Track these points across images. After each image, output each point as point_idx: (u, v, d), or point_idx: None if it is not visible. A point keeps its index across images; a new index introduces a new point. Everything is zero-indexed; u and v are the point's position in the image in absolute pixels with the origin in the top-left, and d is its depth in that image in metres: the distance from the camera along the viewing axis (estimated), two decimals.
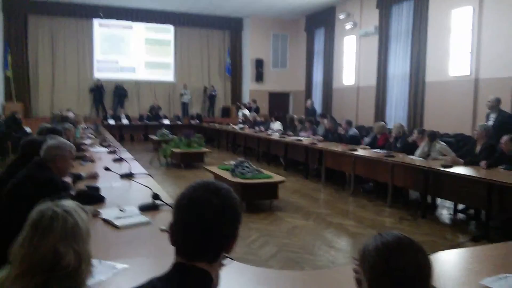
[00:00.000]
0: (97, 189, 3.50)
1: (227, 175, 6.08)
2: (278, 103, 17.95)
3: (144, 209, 3.04)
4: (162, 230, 2.51)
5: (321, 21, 16.21)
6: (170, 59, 17.44)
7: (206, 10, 16.46)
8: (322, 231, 5.04)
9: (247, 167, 6.11)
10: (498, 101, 6.65)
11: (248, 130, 11.48)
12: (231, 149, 12.38)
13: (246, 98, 17.44)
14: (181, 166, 9.15)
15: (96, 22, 16.28)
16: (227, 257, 1.15)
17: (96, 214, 2.84)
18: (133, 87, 16.77)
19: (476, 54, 9.42)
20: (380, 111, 13.41)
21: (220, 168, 6.67)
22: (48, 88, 15.68)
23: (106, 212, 2.92)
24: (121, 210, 2.98)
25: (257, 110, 14.31)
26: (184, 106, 16.87)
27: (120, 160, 5.52)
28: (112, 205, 3.15)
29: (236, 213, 1.14)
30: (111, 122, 14.78)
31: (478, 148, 5.62)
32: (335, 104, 15.81)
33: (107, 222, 2.73)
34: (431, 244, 4.58)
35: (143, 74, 17.07)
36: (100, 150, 6.58)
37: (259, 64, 17.57)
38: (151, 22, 16.85)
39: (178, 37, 17.44)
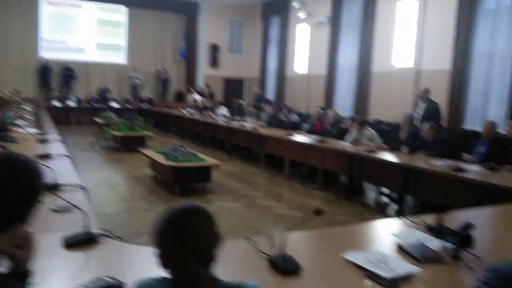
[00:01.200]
0: None
1: (160, 158, 6.04)
2: (233, 89, 17.91)
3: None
4: None
5: (277, 9, 16.21)
6: (122, 41, 16.96)
7: None
8: (247, 213, 5.13)
9: (182, 151, 6.08)
10: (426, 91, 6.94)
11: (196, 115, 11.41)
12: (179, 133, 12.27)
13: (201, 83, 17.29)
14: (122, 150, 8.99)
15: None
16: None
17: None
18: (82, 68, 16.21)
19: (419, 47, 9.75)
20: (329, 99, 13.67)
21: (156, 151, 6.61)
22: None
23: None
24: None
25: (211, 96, 14.22)
26: (134, 89, 16.49)
27: (43, 141, 5.35)
28: None
29: (25, 183, 1.11)
30: (57, 104, 14.25)
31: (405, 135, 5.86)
32: (288, 92, 15.96)
33: None
34: (347, 223, 4.76)
35: (93, 55, 16.52)
36: (29, 131, 6.34)
37: (214, 49, 17.43)
38: (103, 2, 16.29)
39: (132, 18, 16.95)
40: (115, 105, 14.89)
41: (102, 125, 10.69)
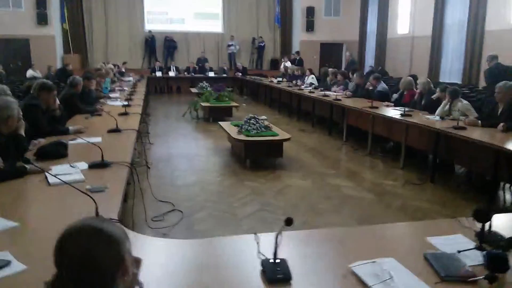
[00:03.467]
0: (63, 145, 3.64)
1: (234, 132, 6.05)
2: (330, 54, 17.21)
3: (93, 166, 3.13)
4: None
5: None
6: (218, 9, 17.24)
7: None
8: (313, 191, 4.91)
9: (253, 123, 6.01)
10: None
11: (283, 84, 11.22)
12: (268, 103, 12.23)
13: (296, 49, 16.92)
14: (209, 120, 9.26)
15: None
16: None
17: (41, 171, 2.95)
18: (183, 39, 16.94)
19: None
20: (434, 64, 12.43)
21: (232, 124, 6.64)
22: (102, 40, 16.36)
23: (57, 168, 3.04)
24: (71, 166, 3.10)
25: (300, 63, 13.85)
26: (231, 58, 16.79)
27: (125, 114, 5.68)
28: (76, 160, 3.27)
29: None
30: (159, 74, 15.18)
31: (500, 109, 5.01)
32: (389, 56, 14.85)
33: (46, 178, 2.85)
34: (425, 211, 4.30)
35: (192, 25, 17.12)
36: (117, 103, 6.81)
37: (310, 12, 16.81)
38: None
39: None
40: (211, 74, 15.35)
41: (196, 95, 11.12)
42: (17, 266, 1.67)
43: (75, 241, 1.01)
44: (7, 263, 1.68)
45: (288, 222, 1.62)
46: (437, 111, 5.74)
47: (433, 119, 5.46)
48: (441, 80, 11.39)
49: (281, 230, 1.65)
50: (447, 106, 5.66)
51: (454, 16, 11.61)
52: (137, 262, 1.15)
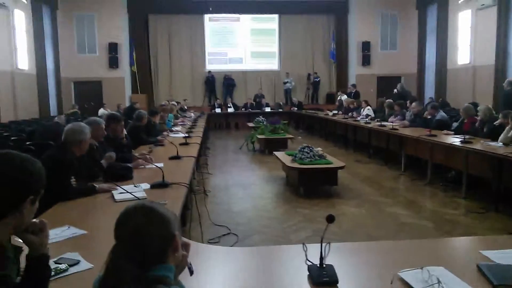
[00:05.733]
0: (129, 168, 3.94)
1: (288, 160, 6.16)
2: (388, 88, 16.98)
3: (154, 186, 3.36)
4: None
5: None
6: (274, 47, 17.84)
7: None
8: (368, 219, 4.82)
9: (307, 152, 6.08)
10: None
11: (339, 117, 11.23)
12: (324, 135, 12.25)
13: (352, 84, 16.93)
14: (265, 152, 9.44)
15: (206, 17, 17.46)
16: None
17: (110, 189, 3.23)
18: (241, 77, 17.62)
19: None
20: (499, 93, 11.84)
21: (286, 153, 6.76)
22: (167, 80, 17.43)
23: (123, 187, 3.31)
24: (135, 186, 3.36)
25: (356, 95, 13.82)
26: (287, 94, 17.14)
27: (186, 144, 6.00)
28: (140, 181, 3.54)
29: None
30: (218, 110, 15.80)
31: None
32: (449, 86, 14.41)
33: (113, 196, 3.11)
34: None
35: (249, 64, 17.80)
36: (178, 135, 7.21)
37: (365, 46, 16.88)
38: (257, 13, 17.41)
39: (282, 25, 17.72)
40: (267, 109, 15.73)
41: (253, 128, 11.43)
42: (85, 265, 1.89)
43: (130, 217, 1.16)
44: (77, 262, 1.90)
45: (330, 219, 1.68)
46: (500, 138, 5.49)
47: (496, 146, 5.23)
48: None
49: (325, 229, 1.71)
50: (511, 132, 5.41)
51: None
52: (186, 245, 1.27)
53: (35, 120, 10.96)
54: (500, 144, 5.30)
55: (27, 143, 5.65)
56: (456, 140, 5.80)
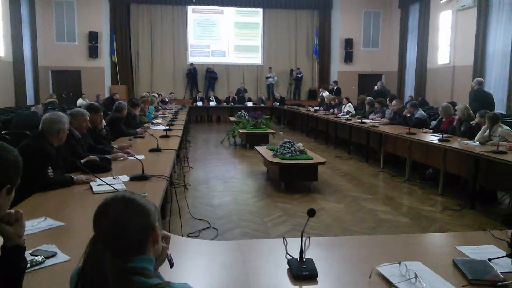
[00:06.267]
0: (107, 160, 3.87)
1: (269, 155, 6.16)
2: (369, 85, 17.18)
3: (134, 178, 3.32)
4: None
5: None
6: (258, 41, 17.80)
7: None
8: (347, 215, 4.88)
9: (288, 147, 6.09)
10: None
11: (320, 113, 11.30)
12: (305, 131, 12.32)
13: (333, 80, 17.06)
14: (246, 146, 9.44)
15: (190, 8, 17.27)
16: None
17: (88, 181, 3.17)
18: (223, 70, 17.52)
19: None
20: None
21: (267, 148, 6.77)
22: (148, 71, 17.19)
23: (102, 179, 3.25)
24: (114, 178, 3.31)
25: (337, 92, 13.93)
26: (269, 89, 17.15)
27: (166, 137, 5.93)
28: (119, 174, 3.48)
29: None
30: (199, 103, 15.70)
31: None
32: (429, 86, 14.66)
33: (91, 187, 3.05)
34: None
35: (232, 57, 17.71)
36: (159, 128, 7.13)
37: (348, 44, 17.01)
38: (241, 7, 17.31)
39: (266, 19, 17.67)
40: (250, 104, 15.70)
41: (234, 122, 11.40)
42: (62, 257, 1.85)
43: (109, 208, 1.14)
44: (53, 254, 1.86)
45: (311, 213, 1.69)
46: (477, 137, 5.63)
47: (472, 144, 5.35)
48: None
49: (306, 222, 1.71)
50: (487, 132, 5.54)
51: (496, 45, 11.40)
52: (167, 238, 1.26)
53: (11, 109, 10.66)
54: (477, 143, 5.43)
55: (3, 132, 5.49)
56: (434, 138, 5.91)
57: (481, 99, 7.98)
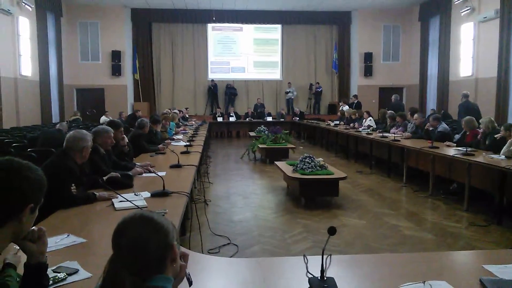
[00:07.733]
0: (129, 176, 3.93)
1: (289, 170, 6.14)
2: (389, 99, 17.00)
3: (155, 195, 3.35)
4: None
5: (436, 9, 14.93)
6: (277, 57, 17.92)
7: (313, 6, 16.43)
8: (369, 231, 4.79)
9: (308, 162, 6.06)
10: None
11: (340, 127, 11.23)
12: (325, 146, 12.24)
13: (353, 94, 16.97)
14: (266, 161, 9.43)
15: (210, 26, 17.56)
16: None
17: (110, 197, 3.21)
18: (243, 86, 17.66)
19: None
20: (501, 105, 11.86)
21: (287, 163, 6.74)
22: (169, 88, 17.48)
23: (123, 196, 3.29)
24: (135, 195, 3.34)
25: (358, 106, 13.84)
26: (289, 103, 17.17)
27: (187, 153, 5.99)
28: (140, 190, 3.52)
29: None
30: (220, 119, 15.82)
31: None
32: (451, 98, 14.42)
33: (113, 204, 3.09)
34: None
35: (252, 73, 17.86)
36: (180, 144, 7.21)
37: (368, 57, 16.95)
38: (260, 23, 17.50)
39: (285, 35, 17.80)
40: (269, 119, 15.74)
41: (254, 138, 11.43)
42: (84, 274, 1.87)
43: (128, 227, 1.15)
44: (75, 271, 1.87)
45: (332, 231, 1.67)
46: (502, 151, 5.48)
47: (498, 158, 5.21)
48: (509, 122, 10.81)
49: (327, 241, 1.69)
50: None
51: None
52: (185, 256, 1.26)
53: (37, 126, 10.98)
54: (503, 157, 5.29)
55: (29, 150, 5.64)
56: (458, 152, 5.78)
57: (469, 110, 8.84)
